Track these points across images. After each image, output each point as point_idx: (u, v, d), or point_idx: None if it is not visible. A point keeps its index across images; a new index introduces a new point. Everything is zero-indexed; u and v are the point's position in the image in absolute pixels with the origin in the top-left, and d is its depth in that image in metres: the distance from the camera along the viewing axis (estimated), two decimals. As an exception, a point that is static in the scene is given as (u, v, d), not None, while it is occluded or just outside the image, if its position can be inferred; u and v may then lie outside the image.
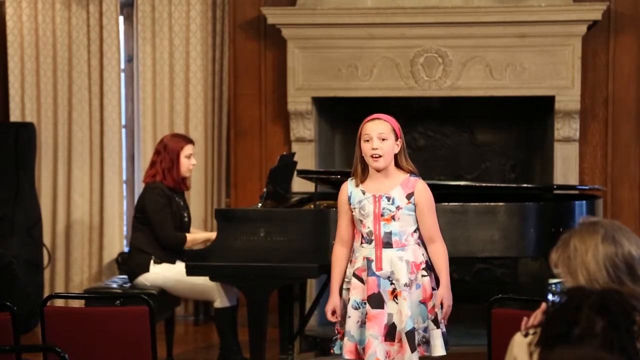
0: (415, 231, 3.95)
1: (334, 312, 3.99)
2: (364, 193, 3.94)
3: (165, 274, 5.44)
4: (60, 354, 3.51)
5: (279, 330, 5.66)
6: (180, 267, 5.29)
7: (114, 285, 5.57)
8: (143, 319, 3.86)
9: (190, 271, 5.04)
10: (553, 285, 2.34)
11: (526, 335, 2.33)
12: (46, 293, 6.66)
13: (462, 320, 6.41)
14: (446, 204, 5.12)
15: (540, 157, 6.90)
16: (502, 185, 6.35)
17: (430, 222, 3.96)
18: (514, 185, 6.56)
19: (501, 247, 5.16)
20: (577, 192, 6.00)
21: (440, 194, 5.46)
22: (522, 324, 2.45)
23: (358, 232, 3.98)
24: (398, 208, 3.90)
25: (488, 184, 6.01)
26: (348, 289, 3.99)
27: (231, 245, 4.96)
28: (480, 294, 6.50)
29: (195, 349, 6.27)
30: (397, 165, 3.96)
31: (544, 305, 2.49)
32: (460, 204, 5.13)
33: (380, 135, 3.89)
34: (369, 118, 3.97)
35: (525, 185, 6.51)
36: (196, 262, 5.01)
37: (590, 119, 6.60)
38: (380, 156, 3.88)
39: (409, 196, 3.92)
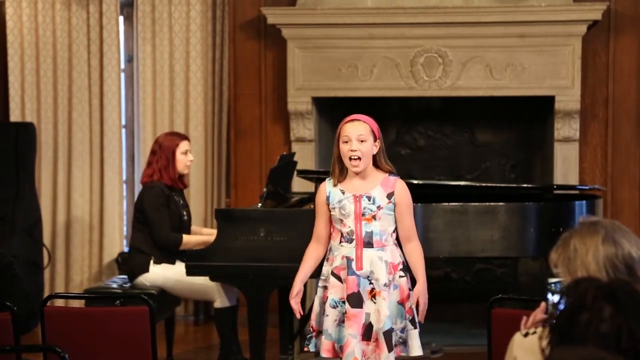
0: (394, 231, 3.97)
1: (297, 295, 4.01)
2: (343, 192, 3.95)
3: (165, 274, 5.43)
4: (60, 354, 3.51)
5: (279, 330, 5.65)
6: (180, 267, 5.29)
7: (114, 285, 5.57)
8: (143, 319, 3.86)
9: (190, 271, 5.04)
10: (553, 285, 2.34)
11: (526, 335, 2.32)
12: (46, 293, 6.66)
13: (462, 320, 6.42)
14: (446, 204, 5.12)
15: (540, 157, 6.91)
16: (502, 185, 6.36)
17: (408, 221, 3.99)
18: (514, 185, 6.56)
19: (501, 247, 5.16)
20: (577, 192, 6.01)
21: (440, 194, 5.47)
22: (521, 324, 2.45)
23: (337, 231, 3.98)
24: (379, 207, 3.92)
25: (488, 184, 6.01)
26: (325, 287, 4.00)
27: (231, 245, 4.96)
28: (480, 294, 6.51)
29: (195, 349, 6.27)
30: (376, 165, 3.98)
31: (543, 305, 2.49)
32: (460, 204, 5.13)
33: (359, 137, 3.90)
34: (347, 119, 3.98)
35: (525, 185, 6.51)
36: (196, 262, 5.01)
37: (590, 119, 6.60)
38: (359, 158, 3.90)
39: (390, 195, 3.94)
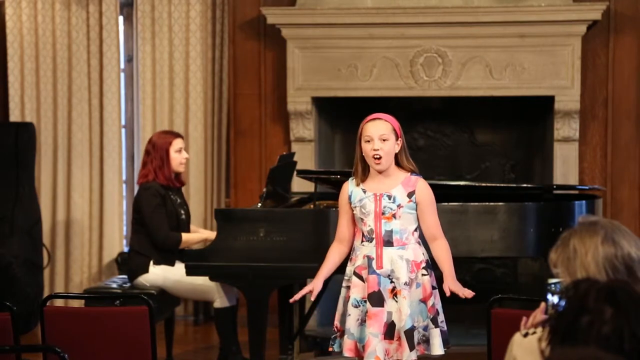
0: (415, 230, 3.98)
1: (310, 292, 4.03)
2: (364, 192, 3.96)
3: (165, 274, 5.43)
4: (60, 354, 3.51)
5: (279, 330, 5.66)
6: (179, 267, 5.29)
7: (114, 285, 5.57)
8: (143, 319, 3.86)
9: (190, 271, 5.04)
10: (553, 285, 2.35)
11: (526, 335, 2.33)
12: (46, 293, 6.66)
13: (462, 320, 6.41)
14: (446, 204, 5.12)
15: (540, 157, 6.90)
16: (502, 185, 6.35)
17: (431, 220, 3.99)
18: (514, 185, 6.56)
19: (501, 247, 5.16)
20: (577, 192, 6.00)
21: (440, 194, 5.47)
22: (521, 324, 2.45)
23: (359, 231, 4.00)
24: (399, 206, 3.92)
25: (488, 184, 6.01)
26: (348, 287, 4.01)
27: (231, 245, 4.96)
28: (480, 294, 6.49)
29: (195, 349, 6.27)
30: (398, 164, 3.98)
31: (543, 305, 2.49)
32: (460, 204, 5.13)
33: (381, 136, 3.91)
34: (369, 118, 3.98)
35: (525, 185, 6.51)
36: (196, 262, 5.01)
37: (590, 119, 6.59)
38: (381, 157, 3.90)
39: (410, 194, 3.94)
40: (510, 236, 5.13)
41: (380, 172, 3.95)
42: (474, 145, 7.07)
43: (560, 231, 2.43)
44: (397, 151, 3.96)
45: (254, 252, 4.94)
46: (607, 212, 6.41)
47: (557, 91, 6.41)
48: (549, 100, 6.49)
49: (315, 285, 4.04)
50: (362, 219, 3.96)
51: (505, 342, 2.42)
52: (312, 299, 4.10)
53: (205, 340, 6.53)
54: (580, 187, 6.13)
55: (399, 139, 3.96)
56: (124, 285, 5.54)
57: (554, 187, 5.85)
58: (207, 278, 5.15)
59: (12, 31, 7.02)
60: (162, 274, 5.43)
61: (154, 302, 4.12)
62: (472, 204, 5.13)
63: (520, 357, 2.30)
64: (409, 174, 3.99)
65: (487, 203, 5.17)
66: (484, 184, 6.05)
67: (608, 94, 6.57)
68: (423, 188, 3.98)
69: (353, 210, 3.99)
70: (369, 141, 3.93)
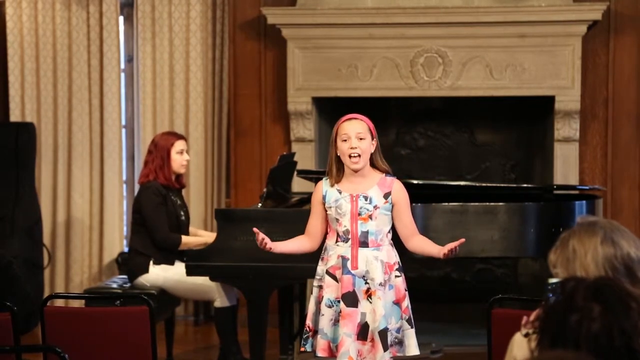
0: (389, 231, 3.99)
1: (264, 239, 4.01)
2: (340, 192, 3.96)
3: (165, 274, 5.43)
4: (60, 354, 3.51)
5: (279, 330, 5.66)
6: (180, 267, 5.29)
7: (114, 286, 5.57)
8: (143, 319, 3.86)
9: (190, 271, 5.05)
10: (552, 285, 2.35)
11: (526, 335, 2.33)
12: (46, 293, 6.66)
13: (462, 320, 6.42)
14: (446, 204, 5.12)
15: (540, 157, 6.91)
16: (502, 185, 6.36)
17: (408, 219, 4.01)
18: (514, 185, 6.56)
19: (501, 247, 5.16)
20: (577, 192, 6.01)
21: (440, 194, 5.47)
22: (521, 324, 2.45)
23: (333, 231, 3.99)
24: (376, 207, 3.93)
25: (488, 184, 6.01)
26: (320, 287, 4.00)
27: (231, 245, 4.96)
28: (480, 294, 6.51)
29: (195, 349, 6.27)
30: (372, 165, 3.99)
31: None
32: (460, 204, 5.13)
33: (358, 135, 3.93)
34: (345, 118, 4.00)
35: (525, 185, 6.51)
36: (196, 262, 5.01)
37: (590, 119, 6.60)
38: (359, 155, 3.91)
39: (387, 195, 3.95)
40: (510, 236, 5.14)
41: (356, 172, 3.95)
42: (474, 145, 7.08)
43: (560, 231, 2.44)
44: (372, 151, 3.97)
45: (254, 252, 4.92)
46: (607, 212, 6.41)
47: (557, 91, 6.42)
48: (549, 100, 6.49)
49: (266, 239, 4.01)
50: (337, 219, 3.96)
51: (505, 342, 2.42)
52: (268, 244, 4.03)
53: (205, 340, 6.54)
54: (580, 187, 6.13)
55: (374, 139, 3.98)
56: (124, 285, 5.54)
57: (554, 187, 5.86)
58: (207, 278, 5.15)
59: (12, 31, 7.02)
60: (162, 274, 5.43)
61: (154, 302, 4.12)
62: (472, 204, 5.14)
63: (520, 357, 2.30)
64: (384, 174, 4.00)
65: (487, 203, 5.17)
66: (484, 184, 6.05)
67: (608, 94, 6.57)
68: (399, 189, 3.99)
69: (327, 211, 3.99)
70: (345, 140, 3.93)
